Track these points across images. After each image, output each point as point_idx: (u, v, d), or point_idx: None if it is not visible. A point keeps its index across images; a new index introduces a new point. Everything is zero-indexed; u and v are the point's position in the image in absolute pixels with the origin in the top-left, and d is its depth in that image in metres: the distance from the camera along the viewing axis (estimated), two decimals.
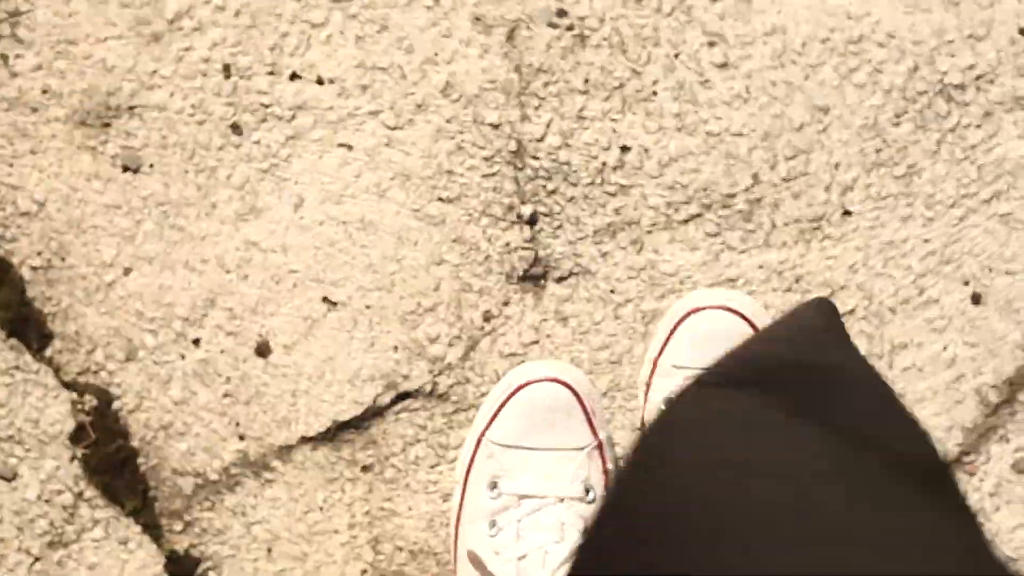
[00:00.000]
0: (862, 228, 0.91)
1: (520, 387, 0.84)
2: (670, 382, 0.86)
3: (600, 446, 0.87)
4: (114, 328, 0.90)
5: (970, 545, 0.45)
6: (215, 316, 0.90)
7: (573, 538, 0.82)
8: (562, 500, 0.84)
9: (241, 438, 0.90)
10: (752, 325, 0.85)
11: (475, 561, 0.83)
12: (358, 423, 0.90)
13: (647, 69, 0.91)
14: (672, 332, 0.87)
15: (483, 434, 0.87)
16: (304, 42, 0.91)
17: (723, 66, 0.91)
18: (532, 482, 0.85)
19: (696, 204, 0.90)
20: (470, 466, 0.88)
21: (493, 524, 0.85)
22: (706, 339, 0.86)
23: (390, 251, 0.90)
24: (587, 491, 0.85)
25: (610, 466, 0.88)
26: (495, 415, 0.86)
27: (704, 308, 0.86)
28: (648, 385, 0.89)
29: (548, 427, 0.84)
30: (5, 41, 0.91)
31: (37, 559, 0.88)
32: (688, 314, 0.86)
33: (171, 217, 0.90)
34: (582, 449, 0.85)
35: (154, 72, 0.92)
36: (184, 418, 0.90)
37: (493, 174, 0.91)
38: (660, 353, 0.88)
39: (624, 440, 0.90)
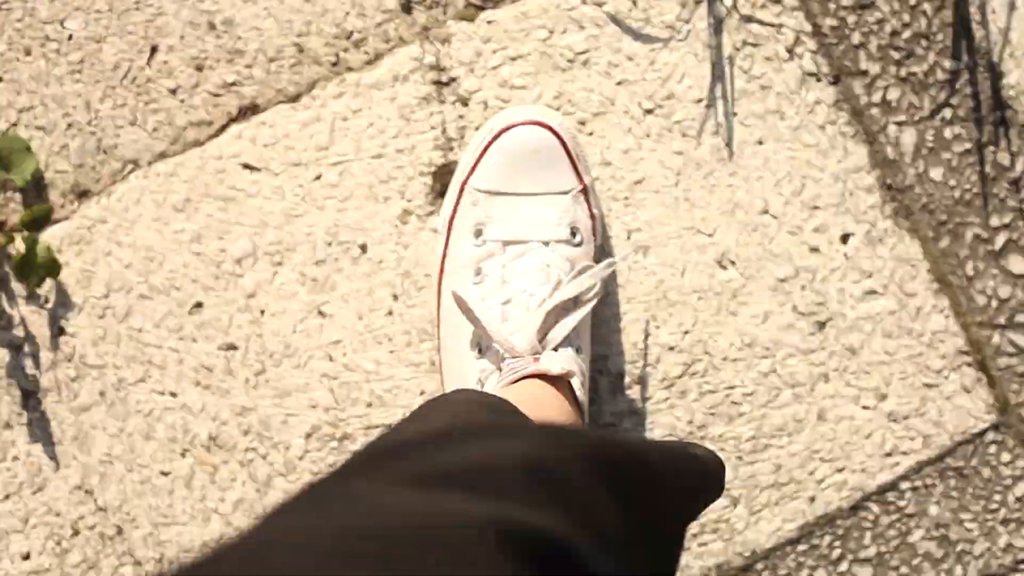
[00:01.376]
0: None
1: (502, 131, 0.81)
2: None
3: (585, 190, 0.82)
4: None
5: None
6: None
7: (557, 278, 0.78)
8: (547, 243, 0.80)
9: None
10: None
11: (459, 302, 0.77)
12: None
13: None
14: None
15: (466, 181, 0.82)
16: None
17: None
18: (516, 227, 0.80)
19: None
20: (453, 214, 0.82)
21: (478, 272, 0.81)
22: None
23: None
24: (573, 233, 0.81)
25: (595, 211, 0.83)
26: (477, 161, 0.81)
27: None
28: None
29: (532, 171, 0.81)
30: None
31: None
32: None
33: None
34: (567, 193, 0.81)
35: None
36: None
37: None
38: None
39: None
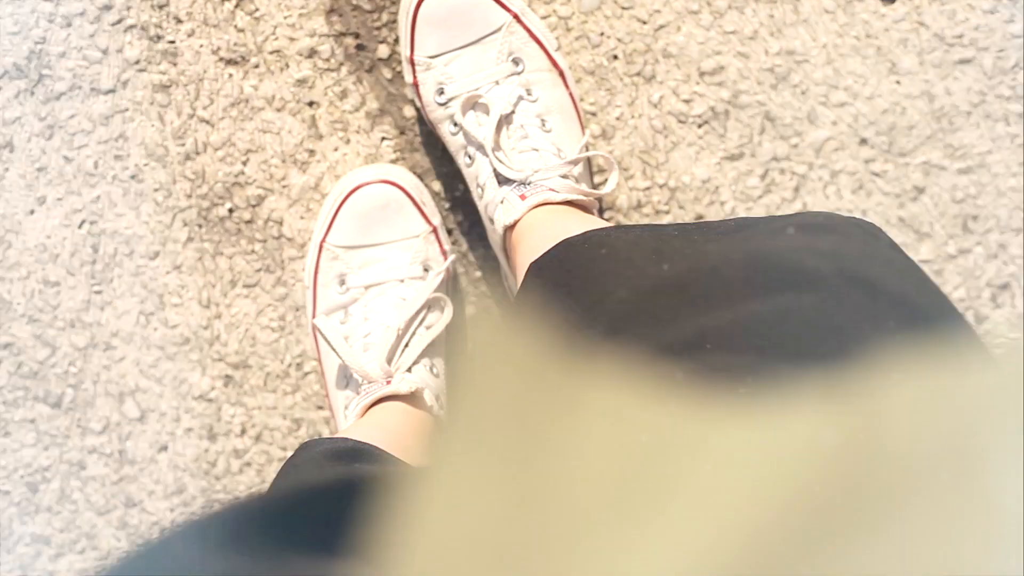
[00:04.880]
0: None
1: (350, 192, 0.90)
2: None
3: (435, 230, 0.91)
4: None
5: None
6: None
7: (413, 309, 0.86)
8: (402, 281, 0.88)
9: None
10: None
11: (320, 334, 0.87)
12: None
13: None
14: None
15: (323, 240, 0.90)
16: None
17: None
18: (375, 272, 0.88)
19: None
20: (316, 270, 0.90)
21: (345, 313, 0.88)
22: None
23: None
24: (426, 270, 0.89)
25: (447, 247, 0.91)
26: (332, 221, 0.90)
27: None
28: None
29: (382, 223, 0.89)
30: None
31: None
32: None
33: None
34: (417, 236, 0.89)
35: None
36: None
37: None
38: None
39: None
